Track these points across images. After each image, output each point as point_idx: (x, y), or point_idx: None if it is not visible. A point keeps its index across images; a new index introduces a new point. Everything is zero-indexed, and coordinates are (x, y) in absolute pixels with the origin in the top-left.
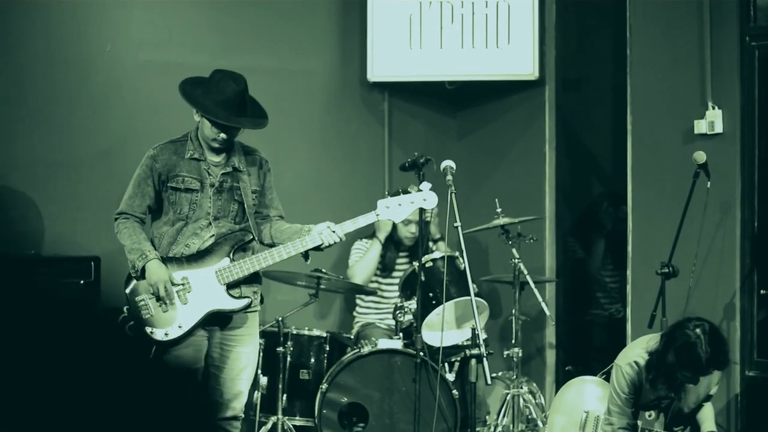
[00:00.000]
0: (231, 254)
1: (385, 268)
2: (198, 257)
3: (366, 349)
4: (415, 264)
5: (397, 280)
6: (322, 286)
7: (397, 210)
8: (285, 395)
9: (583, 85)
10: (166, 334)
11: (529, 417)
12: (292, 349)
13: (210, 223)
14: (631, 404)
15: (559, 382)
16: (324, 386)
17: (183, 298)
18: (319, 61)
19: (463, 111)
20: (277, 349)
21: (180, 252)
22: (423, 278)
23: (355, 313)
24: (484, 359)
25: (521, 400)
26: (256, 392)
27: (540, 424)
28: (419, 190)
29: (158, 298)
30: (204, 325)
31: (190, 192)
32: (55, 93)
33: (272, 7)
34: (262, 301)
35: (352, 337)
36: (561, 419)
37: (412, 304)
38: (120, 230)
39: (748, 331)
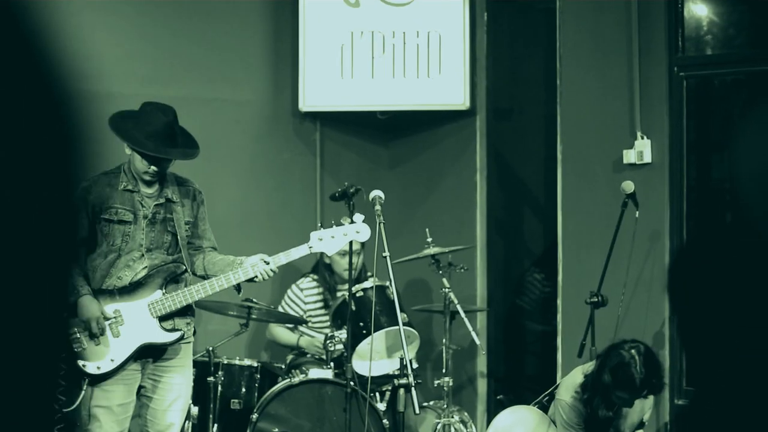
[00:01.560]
0: (163, 286)
1: (326, 304)
2: (130, 289)
3: (297, 379)
4: (345, 294)
5: None
6: (253, 316)
7: (330, 242)
8: (216, 425)
9: (514, 115)
10: (98, 368)
11: None
12: (223, 378)
13: (143, 255)
14: None
15: (491, 411)
16: (254, 416)
17: (115, 332)
18: (250, 91)
19: (394, 141)
20: (208, 378)
21: (112, 284)
22: (354, 307)
23: None
24: (413, 388)
25: (452, 430)
26: (187, 422)
27: None
28: (352, 222)
29: (91, 334)
30: (137, 358)
31: (123, 224)
32: None
33: (203, 37)
34: (194, 333)
35: (284, 366)
36: None
37: (343, 334)
38: None
39: (677, 359)
